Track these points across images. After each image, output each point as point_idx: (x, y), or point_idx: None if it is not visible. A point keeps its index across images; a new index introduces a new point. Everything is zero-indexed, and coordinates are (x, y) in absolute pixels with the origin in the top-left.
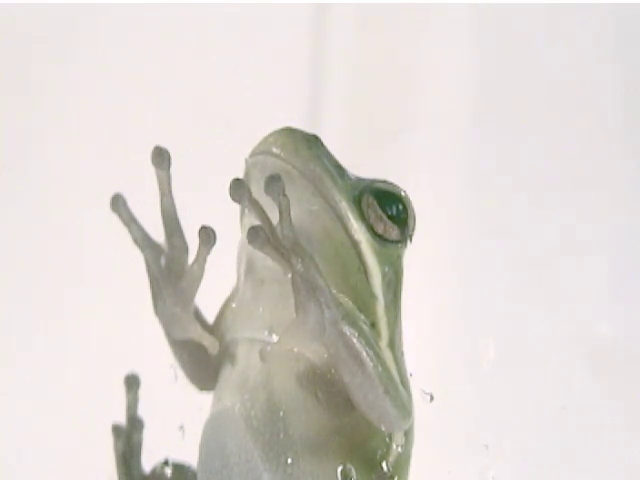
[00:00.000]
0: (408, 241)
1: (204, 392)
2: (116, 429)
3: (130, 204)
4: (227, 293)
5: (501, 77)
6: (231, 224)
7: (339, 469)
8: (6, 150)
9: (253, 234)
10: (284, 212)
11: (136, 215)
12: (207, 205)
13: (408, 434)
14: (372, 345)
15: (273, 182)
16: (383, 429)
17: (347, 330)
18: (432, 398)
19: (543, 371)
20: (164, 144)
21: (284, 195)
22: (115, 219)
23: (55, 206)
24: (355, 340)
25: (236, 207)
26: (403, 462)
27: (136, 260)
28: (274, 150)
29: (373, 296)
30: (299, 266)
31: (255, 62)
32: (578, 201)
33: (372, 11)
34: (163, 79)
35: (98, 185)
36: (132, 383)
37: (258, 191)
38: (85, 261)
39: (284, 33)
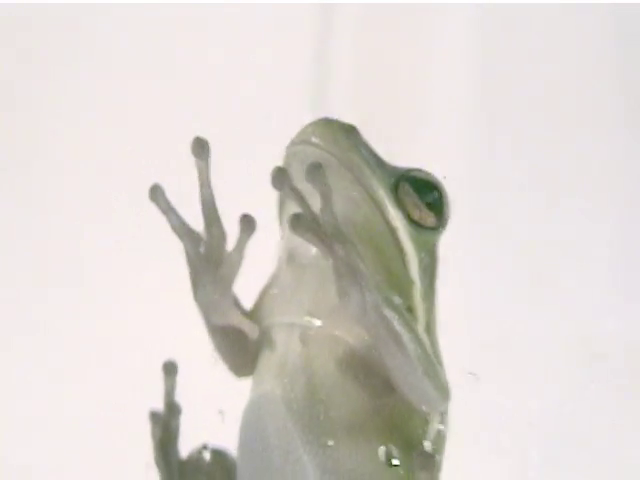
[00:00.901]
0: (443, 228)
1: (242, 378)
2: (154, 415)
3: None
4: (260, 280)
5: (503, 76)
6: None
7: (381, 449)
8: (39, 142)
9: (295, 221)
10: (326, 199)
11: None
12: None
13: (444, 414)
14: (412, 328)
15: (315, 170)
16: (423, 409)
17: (388, 313)
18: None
19: (543, 372)
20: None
21: (325, 183)
22: (153, 208)
23: (93, 195)
24: (395, 323)
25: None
26: (439, 442)
27: (174, 248)
28: (313, 139)
29: (410, 281)
30: (341, 252)
31: (259, 61)
32: (580, 201)
33: (375, 11)
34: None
35: (135, 176)
36: (170, 369)
37: (297, 179)
38: (124, 248)
39: (288, 33)
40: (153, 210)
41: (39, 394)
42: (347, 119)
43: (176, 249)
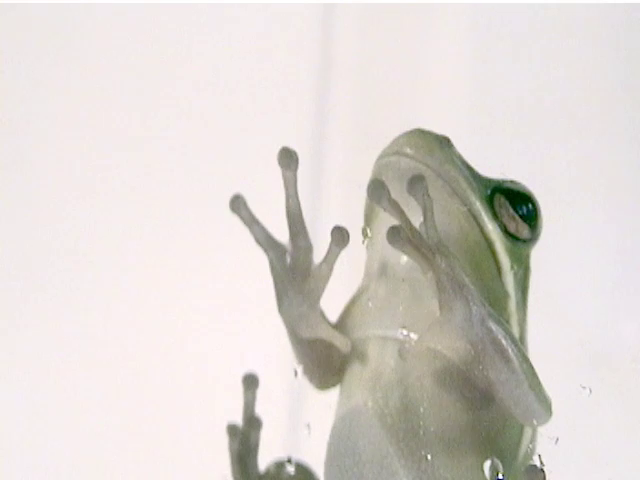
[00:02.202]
0: (537, 239)
1: (324, 391)
2: (232, 429)
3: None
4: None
5: (501, 76)
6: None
7: (487, 463)
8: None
9: (394, 234)
10: (428, 212)
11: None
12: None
13: (534, 431)
14: (516, 341)
15: (417, 182)
16: (527, 424)
17: (494, 327)
18: (591, 391)
19: (543, 377)
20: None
21: (427, 195)
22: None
23: (174, 207)
24: (502, 337)
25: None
26: (529, 456)
27: (256, 259)
28: (408, 151)
29: (506, 294)
30: (444, 265)
31: (260, 62)
32: (581, 202)
33: (376, 11)
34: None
35: (217, 186)
36: (250, 382)
37: (392, 191)
38: (206, 259)
39: (290, 33)
40: (235, 221)
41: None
42: (347, 117)
43: (259, 261)
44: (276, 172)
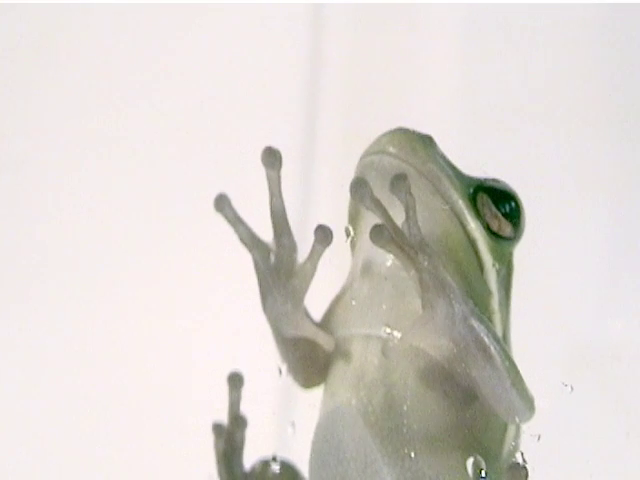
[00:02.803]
0: (520, 238)
1: (309, 389)
2: (217, 428)
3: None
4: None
5: (490, 75)
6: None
7: (469, 461)
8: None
9: (377, 233)
10: (411, 210)
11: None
12: None
13: (519, 428)
14: (499, 339)
15: (399, 181)
16: (510, 421)
17: (476, 325)
18: (572, 389)
19: (533, 379)
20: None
21: (410, 194)
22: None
23: (158, 207)
24: (484, 335)
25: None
26: (513, 453)
27: (240, 259)
28: (391, 149)
29: (489, 292)
30: (426, 263)
31: (249, 62)
32: (567, 200)
33: (365, 11)
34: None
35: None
36: (235, 381)
37: (375, 190)
38: (190, 260)
39: (280, 34)
40: (219, 220)
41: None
42: (337, 117)
43: (243, 260)
44: (263, 172)
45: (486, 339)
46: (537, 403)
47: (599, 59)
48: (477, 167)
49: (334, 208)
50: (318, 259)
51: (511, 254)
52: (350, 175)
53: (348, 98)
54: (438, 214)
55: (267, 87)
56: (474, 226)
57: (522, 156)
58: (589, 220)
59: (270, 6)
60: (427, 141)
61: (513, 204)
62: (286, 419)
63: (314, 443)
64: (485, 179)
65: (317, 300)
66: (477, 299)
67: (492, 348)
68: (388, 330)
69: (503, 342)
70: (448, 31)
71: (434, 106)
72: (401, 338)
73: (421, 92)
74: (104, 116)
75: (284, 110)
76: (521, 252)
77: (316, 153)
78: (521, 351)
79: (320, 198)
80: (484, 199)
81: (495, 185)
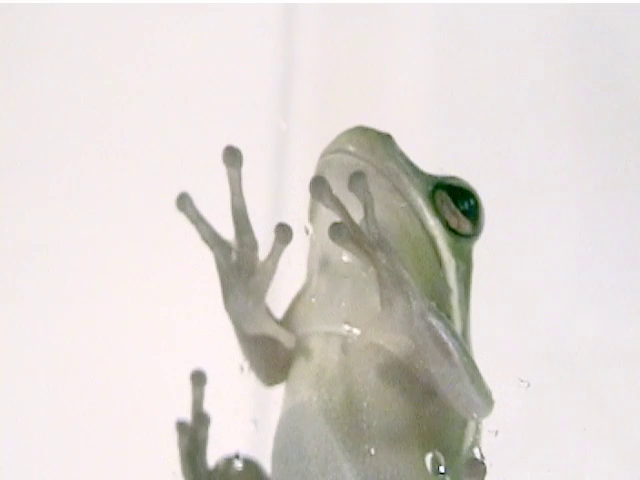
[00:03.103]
0: (479, 235)
1: (271, 386)
2: (180, 425)
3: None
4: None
5: (460, 74)
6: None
7: (428, 457)
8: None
9: (335, 230)
10: (369, 208)
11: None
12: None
13: (479, 423)
14: (457, 335)
15: (357, 179)
16: (468, 417)
17: (434, 321)
18: (529, 385)
19: (507, 374)
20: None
21: (368, 192)
22: (181, 217)
23: (121, 205)
24: (442, 331)
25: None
26: (472, 448)
27: (202, 257)
28: (350, 148)
29: (448, 289)
30: (384, 261)
31: (223, 63)
32: (539, 198)
33: (337, 11)
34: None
35: (163, 185)
36: (198, 379)
37: (334, 188)
38: (152, 257)
39: (253, 33)
40: (181, 218)
41: (64, 400)
42: (310, 116)
43: (205, 258)
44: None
45: (444, 335)
46: (495, 399)
47: (571, 60)
48: (447, 166)
49: (306, 207)
50: (279, 257)
51: (470, 251)
52: None
53: (320, 97)
54: (397, 212)
55: (239, 86)
56: (433, 223)
57: (493, 153)
58: (559, 217)
59: (242, 6)
60: (386, 139)
61: (472, 201)
62: (248, 416)
63: (276, 440)
64: (444, 177)
65: (279, 298)
66: (436, 296)
67: (450, 344)
68: (348, 327)
69: (462, 338)
70: (420, 31)
71: (405, 105)
72: (360, 335)
73: (392, 91)
74: (69, 115)
75: (256, 109)
76: (490, 249)
77: (288, 151)
78: (484, 347)
79: (292, 197)
80: (443, 196)
81: (454, 183)
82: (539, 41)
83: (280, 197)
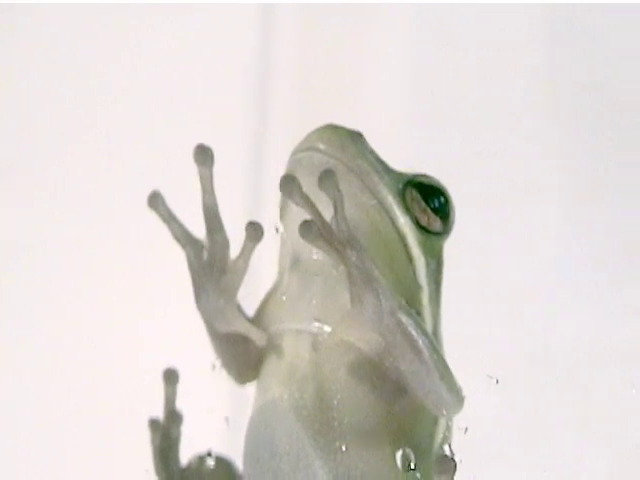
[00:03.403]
0: (449, 232)
1: (243, 384)
2: (153, 423)
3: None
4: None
5: (438, 74)
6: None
7: (398, 454)
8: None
9: (306, 228)
10: (339, 206)
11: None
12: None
13: (449, 420)
14: (427, 333)
15: (327, 177)
16: (439, 414)
17: (404, 319)
18: (497, 381)
19: (490, 374)
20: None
21: (338, 189)
22: (152, 216)
23: (93, 204)
24: (412, 328)
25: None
26: (443, 445)
27: (174, 255)
28: (320, 146)
29: (419, 286)
30: (354, 258)
31: (200, 64)
32: (520, 197)
33: (315, 11)
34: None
35: (135, 183)
36: (170, 377)
37: (304, 186)
38: (124, 255)
39: (230, 33)
40: (153, 217)
41: (35, 399)
42: (287, 116)
43: (176, 256)
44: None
45: (414, 333)
46: (465, 395)
47: (551, 60)
48: (426, 165)
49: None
50: (250, 255)
51: (441, 248)
52: None
53: (297, 96)
54: (367, 209)
55: (215, 85)
56: (403, 221)
57: (475, 155)
58: (539, 216)
59: (220, 6)
60: (356, 137)
61: (442, 199)
62: (220, 414)
63: (247, 438)
64: (415, 175)
65: (251, 296)
66: (406, 293)
67: (420, 342)
68: (318, 325)
69: (432, 336)
70: (398, 31)
71: (383, 105)
72: (331, 332)
73: (370, 91)
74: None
75: (232, 108)
76: (468, 247)
77: (264, 151)
78: (454, 344)
79: (266, 196)
80: (413, 194)
81: (424, 180)
82: (519, 41)
83: (254, 196)
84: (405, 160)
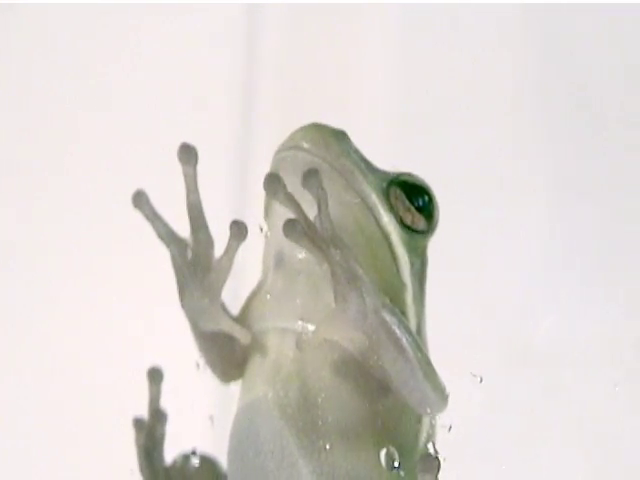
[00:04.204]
0: (433, 231)
1: (227, 383)
2: (137, 422)
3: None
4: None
5: (424, 73)
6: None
7: (382, 453)
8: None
9: (290, 227)
10: (322, 205)
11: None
12: None
13: (432, 419)
14: (410, 331)
15: (311, 176)
16: (422, 412)
17: (388, 317)
18: (481, 380)
19: (472, 374)
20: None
21: (322, 188)
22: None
23: (79, 202)
24: (396, 327)
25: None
26: (427, 443)
27: (159, 254)
28: (304, 145)
29: (403, 285)
30: (338, 257)
31: (185, 61)
32: (501, 195)
33: (301, 11)
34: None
35: (119, 182)
36: (155, 376)
37: (287, 184)
38: (109, 254)
39: (215, 32)
40: (137, 216)
41: (22, 397)
42: (273, 115)
43: (161, 255)
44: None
45: (398, 331)
46: (448, 394)
47: (537, 59)
48: (411, 164)
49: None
50: (234, 254)
51: (425, 247)
52: None
53: (282, 95)
54: (351, 208)
55: (200, 84)
56: (387, 220)
57: (460, 153)
58: (520, 214)
59: (205, 5)
60: (340, 136)
61: (426, 198)
62: (205, 413)
63: (232, 436)
64: (398, 173)
65: (235, 294)
66: (390, 292)
67: (404, 340)
68: (302, 323)
69: (416, 334)
70: (384, 30)
71: (369, 104)
72: (315, 331)
73: (356, 91)
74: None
75: (217, 107)
76: (450, 245)
77: (249, 150)
78: (438, 343)
79: (251, 194)
80: (397, 193)
81: (408, 179)
82: (504, 40)
83: (239, 195)
84: (389, 159)
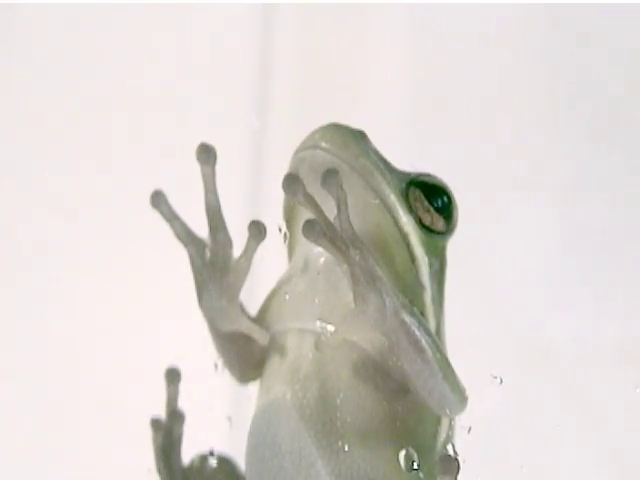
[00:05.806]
0: (452, 232)
1: (245, 384)
2: (155, 422)
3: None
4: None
5: (438, 73)
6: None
7: (402, 454)
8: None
9: (309, 227)
10: (342, 205)
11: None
12: None
13: (452, 419)
14: (430, 332)
15: (331, 176)
16: (442, 413)
17: (407, 318)
18: (501, 381)
19: (485, 373)
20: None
21: (341, 189)
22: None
23: (97, 203)
24: (415, 328)
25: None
26: (446, 444)
27: (177, 255)
28: (323, 145)
29: (421, 286)
30: (357, 257)
31: (202, 62)
32: (518, 195)
33: (315, 11)
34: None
35: (137, 182)
36: (173, 377)
37: (307, 185)
38: (127, 254)
39: (230, 33)
40: (155, 216)
41: (41, 398)
42: (288, 115)
43: (179, 256)
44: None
45: (417, 332)
46: (468, 395)
47: (545, 58)
48: (424, 163)
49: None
50: (252, 255)
51: (444, 248)
52: None
53: (297, 95)
54: (370, 208)
55: (216, 85)
56: (406, 220)
57: (471, 152)
58: (535, 215)
59: (220, 6)
60: (359, 136)
61: (445, 198)
62: (223, 414)
63: (250, 437)
64: (418, 174)
65: (253, 295)
66: (409, 293)
67: (423, 341)
68: (321, 324)
69: (435, 335)
70: (395, 31)
71: (382, 103)
72: (334, 332)
73: (369, 90)
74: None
75: (233, 107)
76: (466, 246)
77: (265, 150)
78: (457, 344)
79: (269, 195)
80: (416, 194)
81: (427, 180)
82: (513, 39)
83: (257, 195)
84: (402, 158)
